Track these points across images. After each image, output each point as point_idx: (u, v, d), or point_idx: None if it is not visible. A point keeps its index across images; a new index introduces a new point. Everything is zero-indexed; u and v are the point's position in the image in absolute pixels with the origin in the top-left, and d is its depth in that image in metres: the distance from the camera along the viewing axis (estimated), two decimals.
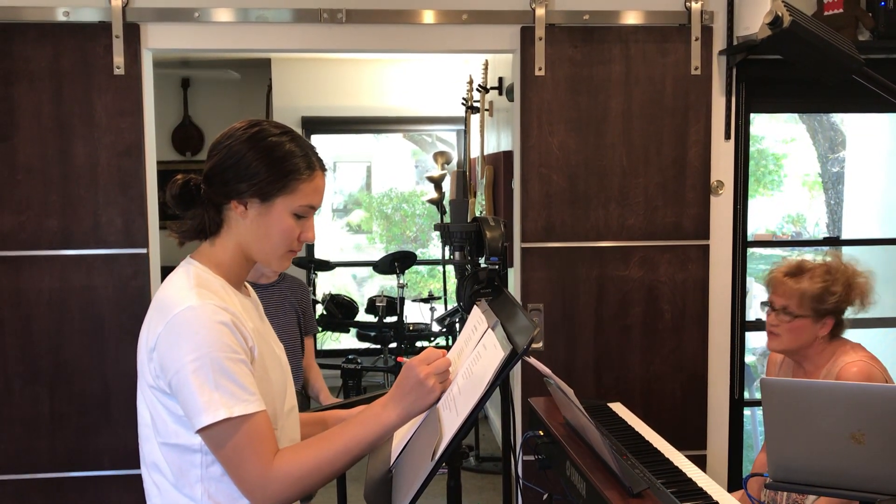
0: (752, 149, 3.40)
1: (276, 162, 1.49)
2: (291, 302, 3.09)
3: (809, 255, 2.51)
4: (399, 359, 1.49)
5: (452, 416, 1.37)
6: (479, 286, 2.07)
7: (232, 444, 1.38)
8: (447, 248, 2.39)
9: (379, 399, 1.47)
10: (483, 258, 2.22)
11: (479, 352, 1.44)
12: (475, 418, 1.33)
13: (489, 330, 1.47)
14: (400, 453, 1.55)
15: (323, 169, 1.56)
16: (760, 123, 7.04)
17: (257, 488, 1.39)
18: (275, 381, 1.53)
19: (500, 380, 1.31)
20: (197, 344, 1.38)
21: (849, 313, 2.43)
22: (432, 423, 1.43)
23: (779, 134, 7.42)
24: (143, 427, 1.51)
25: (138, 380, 1.51)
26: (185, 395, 1.39)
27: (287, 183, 1.49)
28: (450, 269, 6.28)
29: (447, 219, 5.65)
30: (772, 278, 2.46)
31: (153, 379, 1.44)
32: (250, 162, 1.48)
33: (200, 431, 1.39)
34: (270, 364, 1.53)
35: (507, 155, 4.41)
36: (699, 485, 1.90)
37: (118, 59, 2.99)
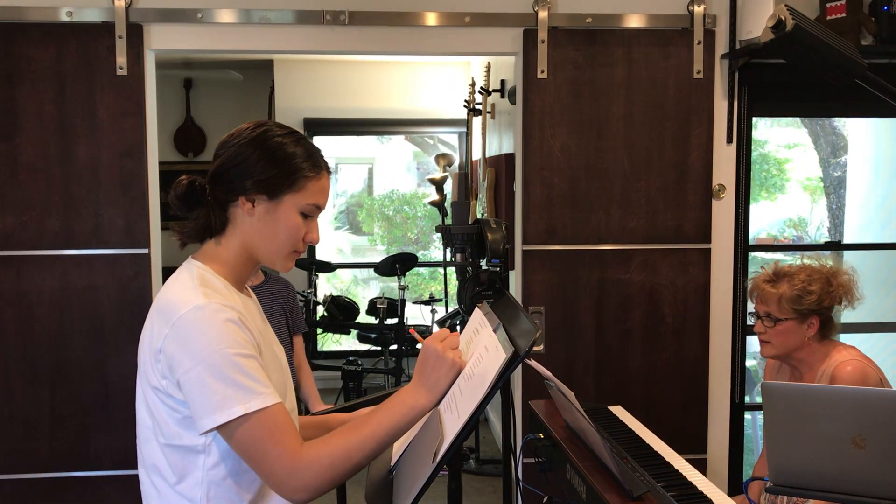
0: (754, 153, 3.40)
1: (282, 161, 1.49)
2: (280, 302, 3.10)
3: (788, 260, 2.53)
4: (411, 331, 1.53)
5: (454, 417, 1.37)
6: (481, 288, 2.07)
7: (253, 439, 1.37)
8: (449, 250, 2.39)
9: (405, 386, 1.47)
10: (484, 260, 2.22)
11: (480, 354, 1.44)
12: (476, 420, 1.33)
13: (491, 332, 1.46)
14: (401, 455, 1.55)
15: (328, 170, 1.56)
16: (763, 128, 7.05)
17: (287, 480, 1.37)
18: (276, 383, 1.52)
19: (502, 382, 1.31)
20: (206, 342, 1.37)
21: (845, 315, 2.45)
22: (433, 424, 1.43)
23: (781, 139, 7.42)
24: (143, 429, 1.50)
25: (138, 381, 1.50)
26: (196, 394, 1.38)
27: (295, 181, 1.50)
28: (451, 271, 6.28)
29: (448, 221, 5.65)
30: (752, 287, 2.49)
31: (158, 380, 1.43)
32: (257, 160, 1.48)
33: (219, 429, 1.38)
34: (272, 366, 1.52)
35: (509, 157, 4.41)
36: (699, 488, 1.89)
37: (121, 60, 2.99)
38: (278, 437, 1.38)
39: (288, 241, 1.52)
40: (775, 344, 2.41)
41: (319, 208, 1.55)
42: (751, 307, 2.52)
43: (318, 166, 1.53)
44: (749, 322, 2.45)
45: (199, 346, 1.38)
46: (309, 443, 1.41)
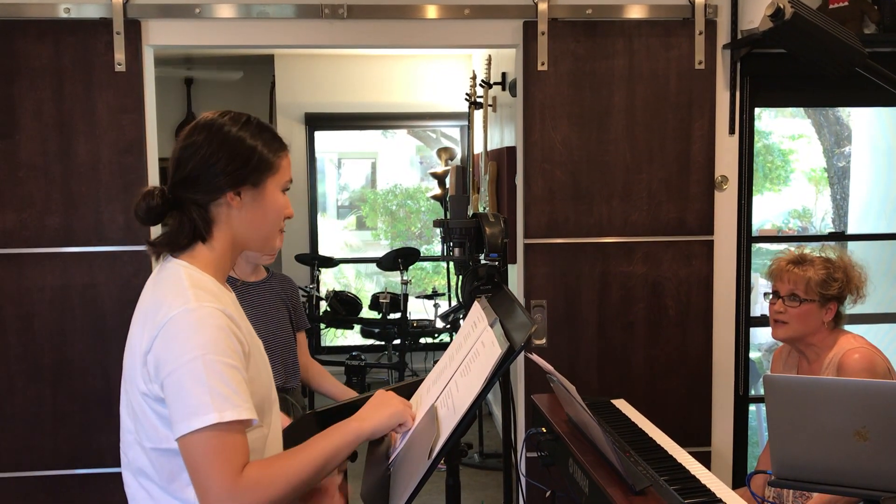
0: (758, 144, 3.38)
1: (252, 150, 1.52)
2: (282, 298, 3.08)
3: (807, 249, 2.59)
4: None
5: (450, 413, 1.36)
6: (479, 282, 2.06)
7: (206, 450, 1.33)
8: (448, 245, 2.38)
9: (353, 418, 1.51)
10: (483, 254, 2.21)
11: (476, 349, 1.43)
12: (473, 415, 1.32)
13: (488, 327, 1.46)
14: (397, 451, 1.54)
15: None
16: (767, 119, 7.02)
17: (222, 500, 1.32)
18: (264, 380, 1.53)
19: (498, 377, 1.30)
20: (194, 345, 1.35)
21: (849, 308, 2.49)
22: (430, 420, 1.43)
23: (785, 130, 7.39)
24: (127, 433, 1.49)
25: (123, 386, 1.49)
26: (176, 396, 1.35)
27: (273, 163, 1.54)
28: (453, 265, 6.27)
29: (450, 215, 5.64)
30: (776, 268, 2.54)
31: (145, 384, 1.41)
32: (229, 159, 1.49)
33: (186, 434, 1.34)
34: (260, 359, 1.53)
35: (511, 150, 4.39)
36: (702, 482, 1.88)
37: (119, 56, 2.98)
38: (230, 455, 1.33)
39: (276, 220, 1.57)
40: (793, 325, 2.45)
41: (291, 181, 1.61)
42: (767, 288, 2.56)
43: (282, 142, 1.59)
44: (764, 303, 2.49)
45: (186, 348, 1.36)
46: (251, 465, 1.36)
